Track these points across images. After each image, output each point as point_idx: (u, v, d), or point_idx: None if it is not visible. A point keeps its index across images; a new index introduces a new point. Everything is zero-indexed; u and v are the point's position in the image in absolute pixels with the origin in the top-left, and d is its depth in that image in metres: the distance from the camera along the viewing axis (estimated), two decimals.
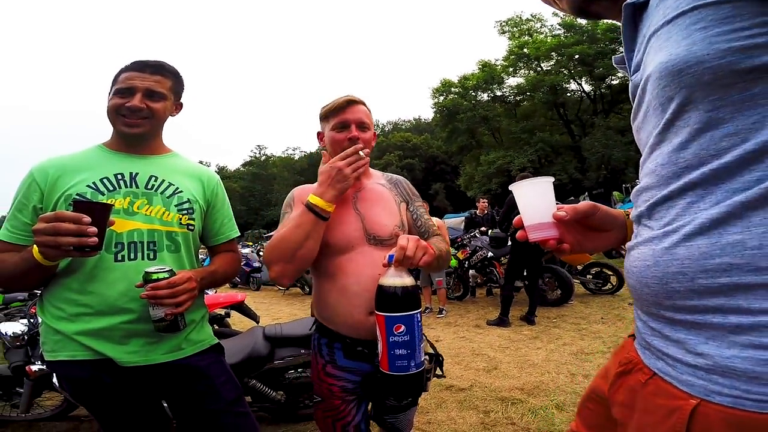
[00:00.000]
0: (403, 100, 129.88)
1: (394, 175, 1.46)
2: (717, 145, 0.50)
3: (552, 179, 0.76)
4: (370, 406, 1.38)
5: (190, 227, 1.31)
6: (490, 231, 6.66)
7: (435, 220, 4.60)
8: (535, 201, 0.75)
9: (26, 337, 2.42)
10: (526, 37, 26.32)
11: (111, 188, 1.22)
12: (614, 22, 0.71)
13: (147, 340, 1.19)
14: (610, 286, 5.96)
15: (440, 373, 1.40)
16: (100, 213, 1.02)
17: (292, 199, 1.32)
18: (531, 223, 0.75)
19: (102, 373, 1.17)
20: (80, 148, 1.33)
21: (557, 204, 0.76)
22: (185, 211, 1.30)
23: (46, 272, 1.12)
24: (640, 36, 0.61)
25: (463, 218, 8.45)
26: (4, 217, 1.25)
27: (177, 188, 1.31)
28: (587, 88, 26.48)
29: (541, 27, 26.58)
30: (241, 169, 60.05)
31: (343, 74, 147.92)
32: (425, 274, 5.64)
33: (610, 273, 5.96)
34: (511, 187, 0.77)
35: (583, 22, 20.60)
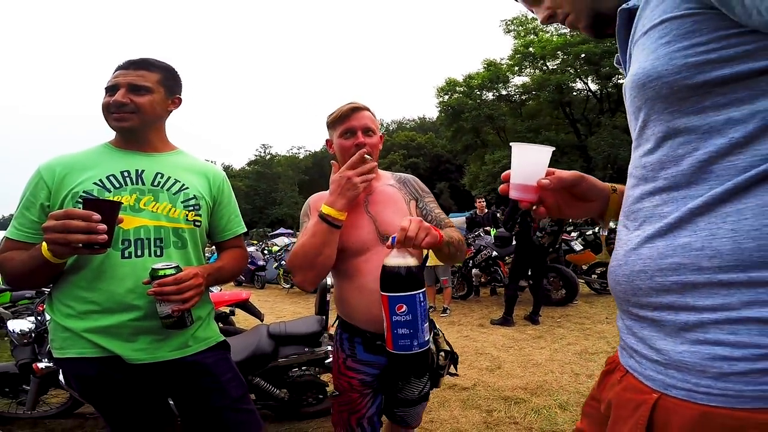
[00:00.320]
0: (407, 99, 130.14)
1: (403, 174, 1.49)
2: (675, 152, 0.55)
3: (552, 149, 0.79)
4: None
5: (196, 223, 1.32)
6: (492, 231, 6.62)
7: None
8: (528, 163, 0.78)
9: (33, 335, 2.44)
10: (532, 36, 26.18)
11: (117, 185, 1.23)
12: None
13: (154, 337, 1.20)
14: None
15: (454, 371, 1.42)
16: (110, 210, 1.03)
17: (309, 208, 1.38)
18: (516, 182, 0.78)
19: (110, 370, 1.18)
20: (79, 149, 1.33)
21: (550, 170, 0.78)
22: (192, 208, 1.31)
23: (54, 270, 1.13)
24: (630, 42, 0.63)
25: (464, 218, 8.43)
26: (9, 217, 1.26)
27: (183, 185, 1.32)
28: (593, 87, 26.31)
29: (546, 26, 26.42)
30: (246, 168, 60.14)
31: (348, 73, 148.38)
32: (430, 272, 5.63)
33: None
34: (512, 144, 0.79)
35: None
